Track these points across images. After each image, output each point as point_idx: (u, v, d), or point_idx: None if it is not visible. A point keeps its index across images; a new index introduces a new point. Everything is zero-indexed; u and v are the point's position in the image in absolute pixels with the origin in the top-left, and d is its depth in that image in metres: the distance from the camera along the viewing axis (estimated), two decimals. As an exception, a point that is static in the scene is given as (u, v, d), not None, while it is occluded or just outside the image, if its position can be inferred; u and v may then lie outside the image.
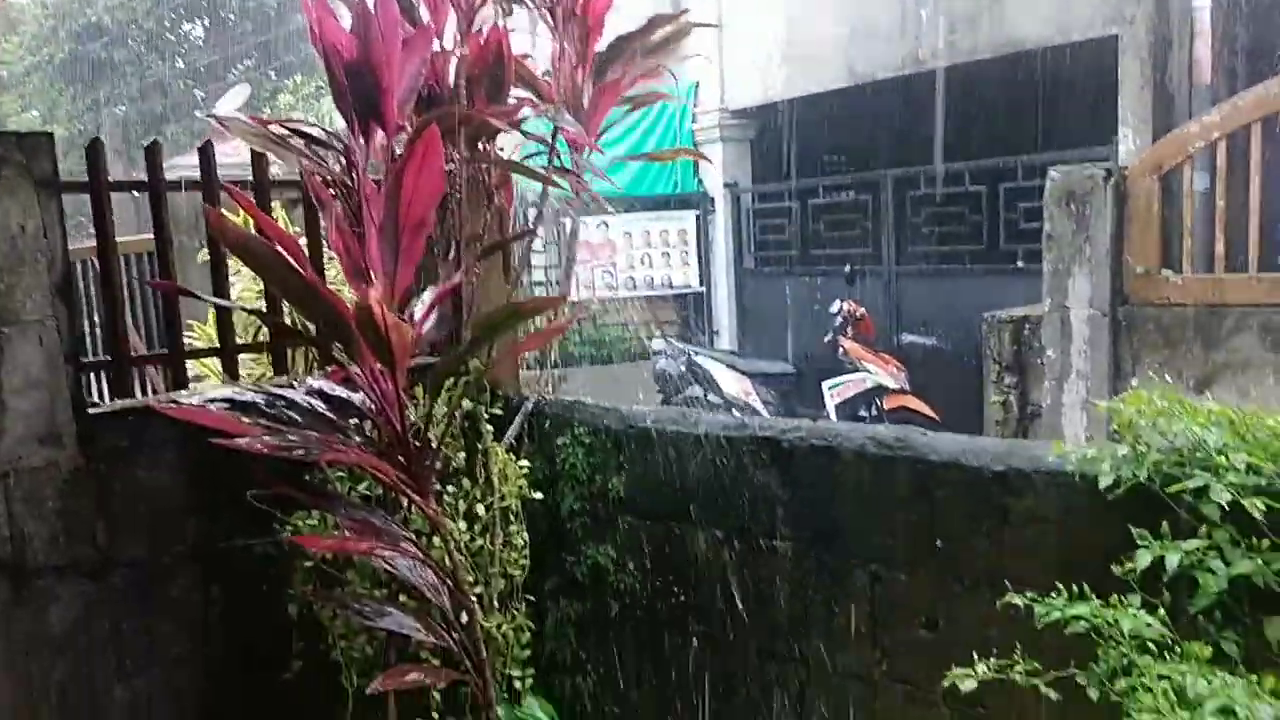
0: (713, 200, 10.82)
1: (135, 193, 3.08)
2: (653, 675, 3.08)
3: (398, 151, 2.55)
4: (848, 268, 8.51)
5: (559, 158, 2.94)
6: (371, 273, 2.40)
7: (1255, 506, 1.70)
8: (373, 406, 2.51)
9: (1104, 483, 1.89)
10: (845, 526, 2.53)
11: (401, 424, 2.47)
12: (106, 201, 2.79)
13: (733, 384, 8.53)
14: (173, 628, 2.83)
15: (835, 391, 7.88)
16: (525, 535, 3.08)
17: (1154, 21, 6.55)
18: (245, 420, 2.34)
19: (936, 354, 8.17)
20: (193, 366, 3.68)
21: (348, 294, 2.68)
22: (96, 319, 4.92)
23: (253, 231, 2.27)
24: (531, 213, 3.52)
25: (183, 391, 2.92)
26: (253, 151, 2.88)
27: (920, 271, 8.80)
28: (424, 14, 2.88)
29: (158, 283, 2.81)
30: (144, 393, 3.19)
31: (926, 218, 8.67)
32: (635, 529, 3.06)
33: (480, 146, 2.82)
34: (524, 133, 3.06)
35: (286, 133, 2.68)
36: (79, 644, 2.69)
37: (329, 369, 2.89)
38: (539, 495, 3.14)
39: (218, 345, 3.07)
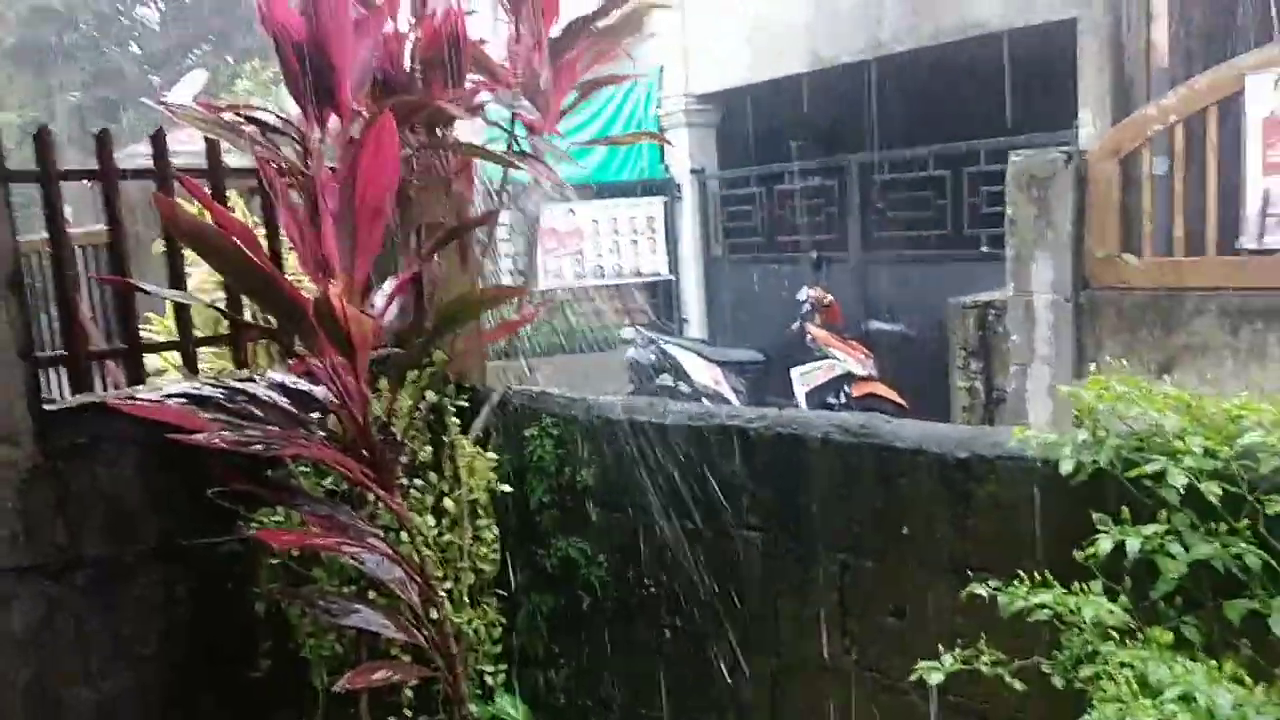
0: (679, 187, 10.80)
1: (87, 182, 3.01)
2: (625, 667, 3.08)
3: (354, 136, 2.51)
4: (814, 254, 8.53)
5: (518, 142, 2.91)
6: (329, 263, 2.37)
7: (1212, 490, 1.72)
8: (335, 400, 2.48)
9: (1065, 468, 1.90)
10: (813, 515, 2.54)
11: (364, 417, 2.45)
12: (56, 191, 2.73)
13: (703, 372, 8.54)
14: (138, 627, 2.79)
15: (804, 379, 7.90)
16: (495, 529, 3.06)
17: (1112, 3, 6.60)
18: (205, 415, 2.30)
19: (904, 340, 8.21)
20: (153, 359, 3.62)
21: (308, 285, 2.64)
22: (51, 313, 4.82)
23: (208, 222, 2.22)
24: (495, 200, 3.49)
25: (141, 387, 2.86)
26: (206, 139, 2.82)
27: (887, 258, 8.84)
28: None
29: (107, 278, 2.75)
30: (104, 386, 3.12)
31: (892, 203, 8.70)
32: (605, 520, 3.05)
33: (438, 132, 2.78)
34: (484, 119, 3.03)
35: (239, 119, 2.63)
36: (43, 644, 2.65)
37: (290, 362, 2.85)
38: (508, 488, 3.12)
39: (176, 339, 3.02)
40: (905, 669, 2.28)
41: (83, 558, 2.71)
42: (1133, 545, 1.74)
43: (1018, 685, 1.81)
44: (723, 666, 2.80)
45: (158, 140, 2.87)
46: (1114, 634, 1.70)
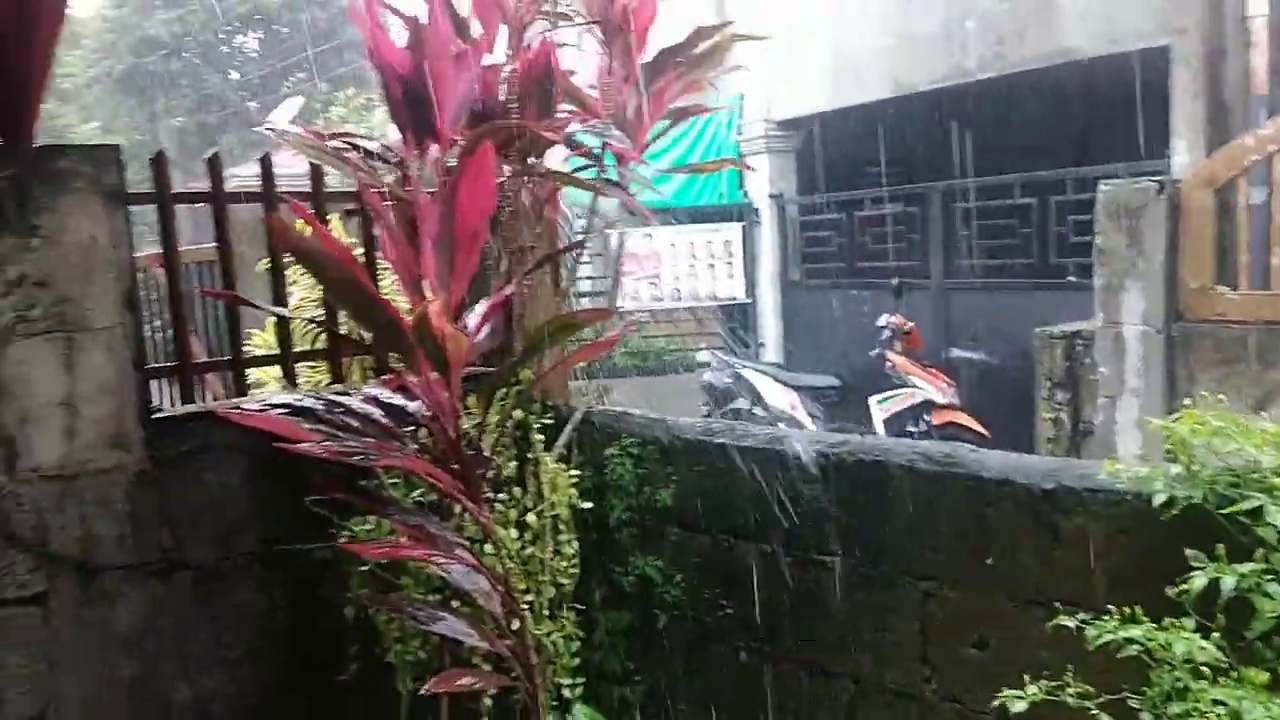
0: (758, 211, 10.83)
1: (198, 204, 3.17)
2: (700, 688, 3.09)
3: (450, 164, 2.61)
4: (895, 281, 8.47)
5: (606, 170, 2.99)
6: (426, 284, 2.46)
7: (1313, 529, 1.68)
8: (427, 414, 2.56)
9: (1157, 502, 1.88)
10: (895, 542, 2.54)
11: (455, 432, 2.52)
12: (171, 213, 2.88)
13: (779, 397, 8.51)
14: (235, 629, 2.91)
15: (883, 406, 7.83)
16: (574, 544, 3.11)
17: (1206, 31, 6.45)
18: (304, 426, 2.40)
19: (986, 369, 8.09)
20: (252, 373, 3.77)
21: (401, 304, 2.74)
22: (156, 325, 5.07)
23: (315, 241, 2.33)
24: (578, 225, 3.57)
25: (244, 398, 3.00)
26: (311, 164, 2.95)
27: (969, 285, 8.73)
28: (475, 29, 2.94)
29: (218, 292, 2.89)
30: (204, 399, 3.28)
31: (975, 231, 8.60)
32: (683, 541, 3.08)
33: (529, 160, 2.87)
34: (571, 147, 3.11)
35: (343, 145, 2.75)
36: (146, 643, 2.78)
37: (385, 377, 2.95)
38: (588, 505, 3.17)
39: (277, 352, 3.15)
40: (986, 701, 2.27)
41: (186, 560, 2.84)
42: (1228, 583, 1.71)
43: (1105, 718, 1.78)
44: (798, 691, 2.80)
45: (265, 164, 3.02)
46: (1206, 672, 1.67)
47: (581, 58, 3.24)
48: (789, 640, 2.80)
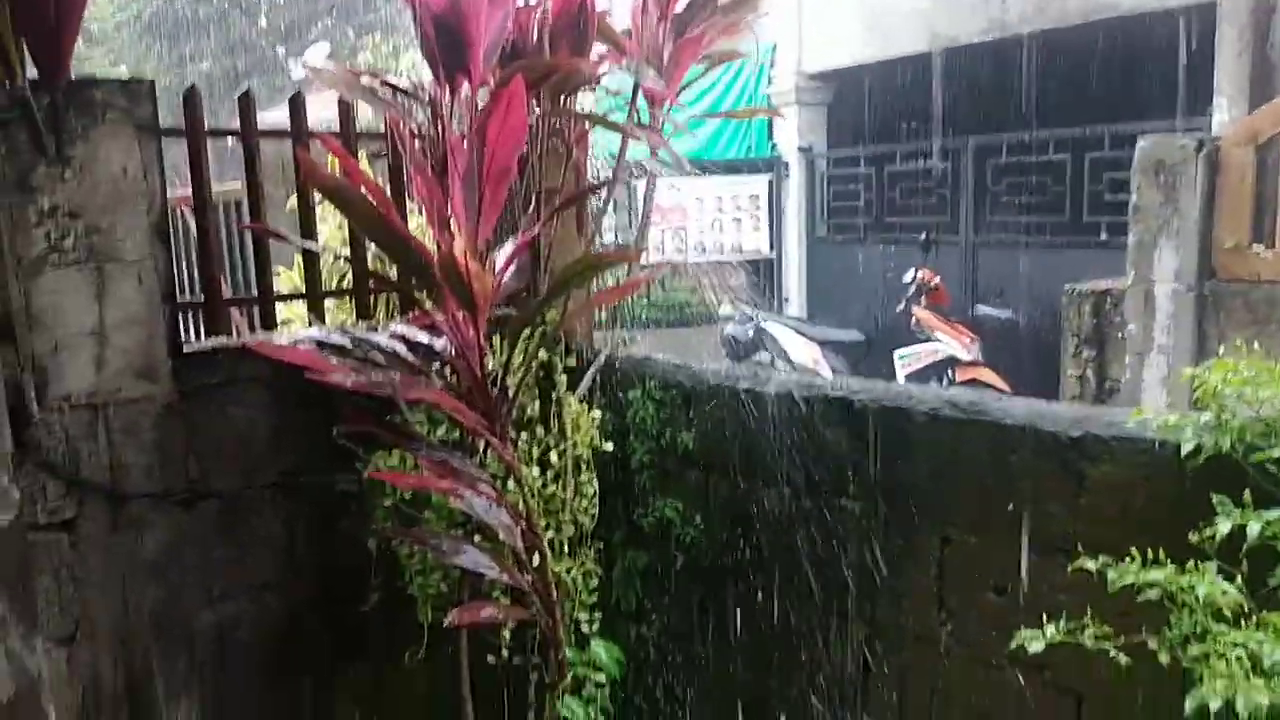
0: (786, 165, 10.71)
1: (230, 140, 3.17)
2: (716, 627, 3.13)
3: (481, 103, 2.60)
4: (924, 236, 8.37)
5: (638, 113, 2.96)
6: (454, 222, 2.46)
7: (1342, 478, 1.67)
8: (453, 352, 2.58)
9: (1185, 449, 1.86)
10: (916, 488, 2.54)
11: (481, 370, 2.54)
12: (203, 147, 2.89)
13: (801, 351, 8.48)
14: (258, 558, 2.97)
15: (906, 362, 7.79)
16: (595, 485, 3.14)
17: (1256, -13, 6.27)
18: (332, 360, 2.42)
19: (1012, 326, 8.02)
20: (278, 314, 3.80)
21: (429, 243, 2.74)
22: (183, 266, 5.09)
23: (345, 178, 2.33)
24: (606, 175, 3.55)
25: (272, 333, 3.02)
26: (340, 102, 2.94)
27: (999, 242, 8.63)
28: (510, -33, 2.90)
29: (250, 224, 2.90)
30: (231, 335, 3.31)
31: (1007, 187, 8.48)
32: (703, 484, 3.09)
33: (561, 100, 2.84)
34: (604, 89, 3.09)
35: (375, 83, 2.74)
36: (171, 570, 2.84)
37: (411, 315, 2.97)
38: (609, 447, 3.19)
39: (304, 290, 3.17)
40: (1002, 645, 2.28)
41: (211, 490, 2.89)
42: (1253, 529, 1.71)
43: (1122, 659, 1.79)
44: (812, 632, 2.83)
45: (296, 102, 3.01)
46: (1227, 615, 1.67)
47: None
48: (805, 583, 2.82)
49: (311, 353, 2.43)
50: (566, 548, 3.05)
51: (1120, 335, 5.40)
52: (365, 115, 3.59)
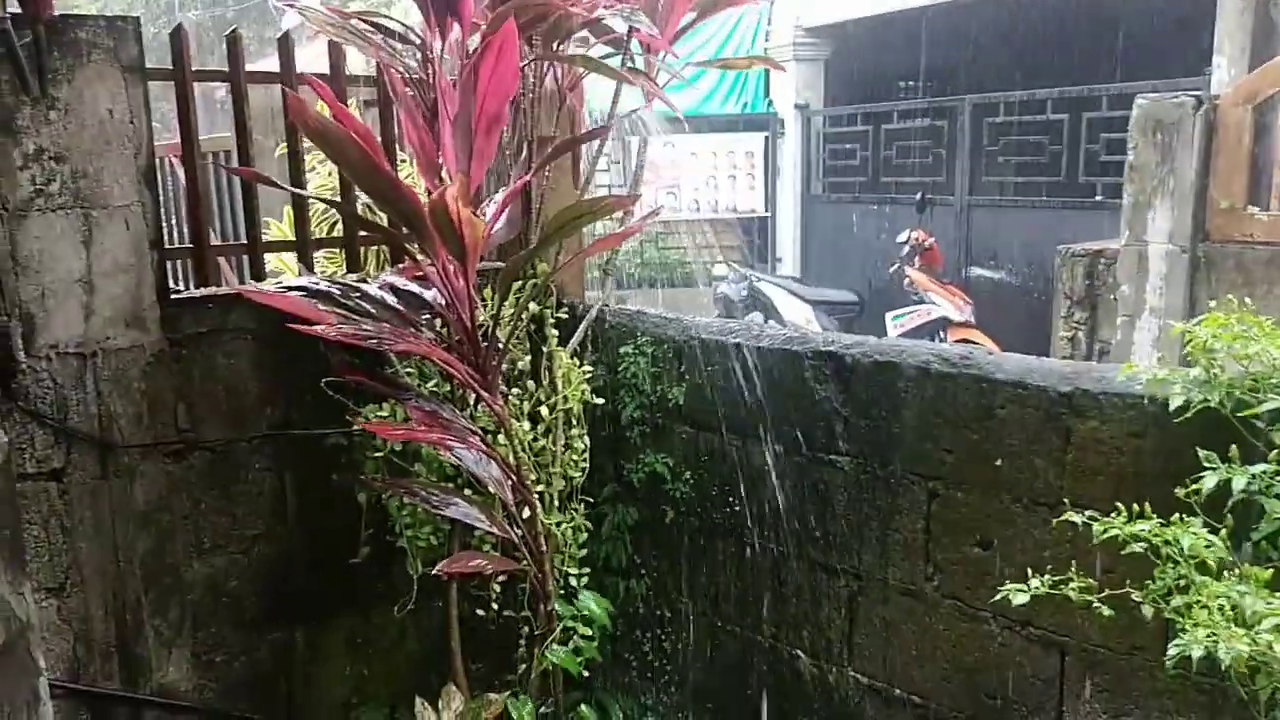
0: (782, 122, 10.62)
1: (221, 92, 3.12)
2: (704, 582, 3.15)
3: (473, 47, 2.55)
4: (919, 195, 8.34)
5: (633, 60, 2.92)
6: (445, 168, 2.43)
7: (1330, 434, 1.68)
8: (443, 302, 2.56)
9: (1174, 404, 1.87)
10: (904, 443, 2.54)
11: (471, 321, 2.52)
12: (190, 90, 2.83)
13: (794, 311, 8.48)
14: (248, 509, 2.97)
15: (899, 323, 7.80)
16: (586, 439, 3.14)
17: (1260, -56, 6.20)
18: (322, 309, 2.40)
19: (1005, 288, 8.02)
20: (268, 264, 3.77)
21: (422, 191, 2.71)
22: (173, 221, 5.05)
23: (335, 122, 2.29)
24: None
25: (261, 283, 3.00)
26: (330, 44, 2.89)
27: (994, 202, 8.60)
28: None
29: (238, 169, 2.86)
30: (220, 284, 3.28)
31: (1004, 146, 8.43)
32: (693, 439, 3.10)
33: (554, 46, 2.80)
34: (598, 33, 3.03)
35: (365, 26, 2.69)
36: (161, 520, 2.84)
37: (402, 265, 2.95)
38: (600, 401, 3.19)
39: (294, 239, 3.14)
40: (988, 599, 2.31)
41: (201, 441, 2.88)
42: (1239, 483, 1.71)
43: (1105, 611, 1.81)
44: (801, 586, 2.85)
45: (284, 43, 2.96)
46: (1210, 567, 1.68)
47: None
48: (794, 537, 2.84)
49: (300, 301, 2.41)
50: (556, 502, 3.06)
51: (1113, 297, 5.40)
52: (360, 63, 3.53)
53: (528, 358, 3.10)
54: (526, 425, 2.98)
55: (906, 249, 7.90)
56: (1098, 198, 7.45)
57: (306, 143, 2.97)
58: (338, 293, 2.52)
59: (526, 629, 3.00)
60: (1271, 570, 1.67)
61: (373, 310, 2.50)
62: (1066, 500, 2.15)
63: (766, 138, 10.58)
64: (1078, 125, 7.68)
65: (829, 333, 3.24)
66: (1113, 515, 1.82)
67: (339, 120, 2.35)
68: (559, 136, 2.97)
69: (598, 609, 2.97)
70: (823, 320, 8.38)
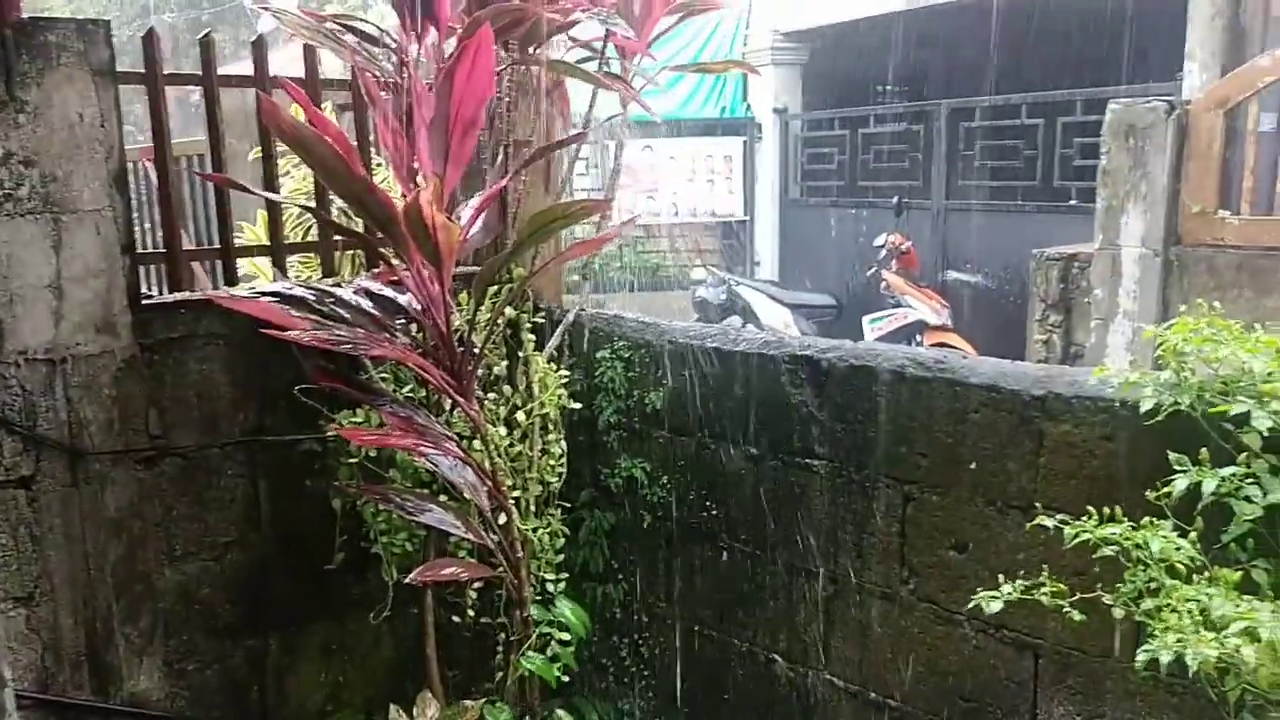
0: (760, 126, 10.65)
1: (196, 95, 3.09)
2: (682, 586, 3.15)
3: (449, 51, 2.54)
4: (896, 199, 8.39)
5: (608, 64, 2.92)
6: (420, 172, 2.42)
7: (1297, 436, 1.69)
8: (419, 307, 2.55)
9: (1144, 407, 1.88)
10: (880, 446, 2.55)
11: (447, 326, 2.51)
12: (162, 94, 2.81)
13: (772, 314, 8.51)
14: (221, 516, 2.94)
15: (875, 326, 7.83)
16: (563, 444, 3.13)
17: (1230, -49, 6.27)
18: (295, 314, 2.38)
19: (982, 292, 8.07)
20: (242, 266, 3.74)
21: (397, 197, 2.70)
22: (147, 226, 5.00)
23: (308, 125, 2.28)
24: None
25: (234, 288, 2.97)
26: (305, 47, 2.88)
27: (970, 206, 8.66)
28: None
29: (210, 174, 2.84)
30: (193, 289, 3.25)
31: (979, 151, 8.50)
32: (671, 443, 3.10)
33: (531, 50, 2.79)
34: (573, 39, 3.03)
35: (340, 30, 2.68)
36: (133, 527, 2.80)
37: (376, 270, 2.93)
38: (577, 406, 3.18)
39: (268, 243, 3.11)
40: (962, 601, 2.31)
41: (173, 447, 2.85)
42: (1208, 486, 1.73)
43: (1076, 615, 1.82)
44: (778, 590, 2.85)
45: (258, 47, 2.94)
46: (1180, 570, 1.69)
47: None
48: (771, 541, 2.84)
49: (273, 306, 2.39)
50: (533, 507, 3.04)
51: (1087, 300, 5.45)
52: (338, 67, 3.51)
53: (504, 363, 3.09)
54: (503, 430, 2.96)
55: (883, 253, 7.94)
56: (1072, 202, 7.51)
57: (281, 147, 2.95)
58: (311, 298, 2.50)
59: (503, 635, 2.98)
60: (1241, 573, 1.69)
61: (347, 315, 2.48)
62: (1039, 504, 2.16)
63: (745, 142, 10.61)
64: (1052, 130, 7.75)
65: (805, 337, 3.25)
66: (1084, 518, 1.83)
67: (313, 124, 2.33)
68: (536, 141, 2.96)
69: (574, 617, 2.95)
70: (801, 324, 8.40)
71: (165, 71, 2.82)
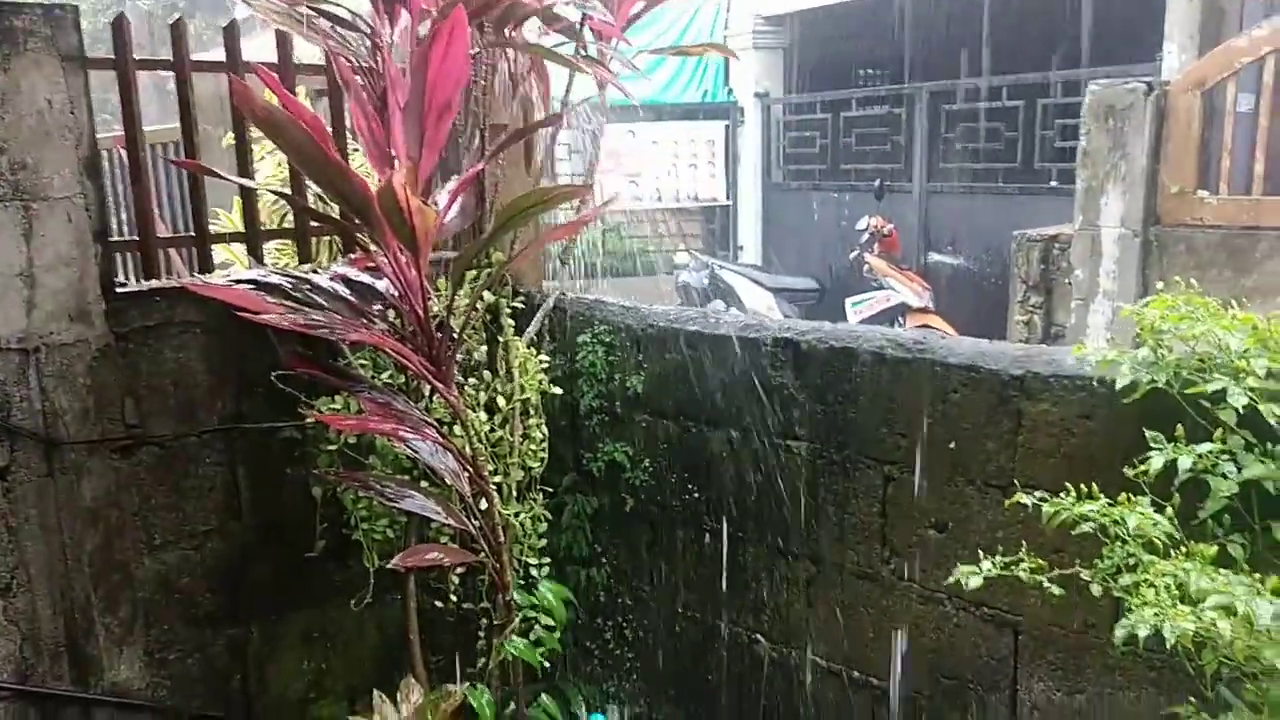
0: (742, 111, 10.62)
1: (161, 72, 3.05)
2: (665, 568, 3.15)
3: (423, 34, 2.51)
4: (878, 182, 8.39)
5: (586, 48, 2.89)
6: (395, 156, 2.39)
7: (1272, 412, 1.70)
8: (396, 293, 2.53)
9: (1121, 384, 1.88)
10: (860, 427, 2.55)
11: (424, 311, 2.49)
12: (133, 79, 2.77)
13: (756, 299, 8.50)
14: (200, 505, 2.92)
15: (858, 309, 7.85)
16: (544, 429, 3.12)
17: (1209, -68, 6.29)
18: (270, 301, 2.36)
19: (963, 274, 8.10)
20: (218, 253, 3.70)
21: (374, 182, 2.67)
22: (124, 215, 4.95)
23: (282, 109, 2.25)
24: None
25: (209, 275, 2.94)
26: (277, 32, 2.84)
27: (951, 189, 8.67)
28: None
29: (182, 161, 2.81)
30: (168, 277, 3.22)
31: (960, 133, 8.50)
32: (652, 427, 3.09)
33: (507, 32, 2.77)
34: (549, 20, 3.00)
35: (312, 12, 2.64)
36: (110, 517, 2.78)
37: (353, 256, 2.90)
38: (558, 391, 3.17)
39: (243, 230, 3.08)
40: (942, 580, 2.33)
41: (150, 436, 2.83)
42: (1185, 462, 1.73)
43: (1056, 590, 1.83)
44: (760, 571, 2.86)
45: (230, 32, 2.90)
46: (1158, 545, 1.70)
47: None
48: (752, 523, 2.84)
49: (248, 293, 2.37)
50: (515, 492, 3.03)
51: (1067, 281, 5.47)
52: (314, 52, 3.47)
53: (484, 348, 3.07)
54: (483, 416, 2.95)
55: (865, 236, 7.95)
56: (1053, 183, 7.53)
57: (256, 132, 2.92)
58: (287, 284, 2.47)
59: (486, 620, 2.98)
60: (1217, 547, 1.70)
61: (323, 302, 2.46)
62: (1018, 482, 2.17)
63: (727, 126, 10.57)
64: (1033, 112, 7.76)
65: (785, 319, 3.25)
66: (1063, 496, 1.84)
67: (287, 109, 2.31)
68: (513, 124, 2.94)
69: (556, 601, 2.95)
70: (784, 308, 8.41)
71: (137, 57, 2.78)
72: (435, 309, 2.66)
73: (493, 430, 2.98)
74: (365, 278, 2.67)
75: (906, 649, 2.54)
